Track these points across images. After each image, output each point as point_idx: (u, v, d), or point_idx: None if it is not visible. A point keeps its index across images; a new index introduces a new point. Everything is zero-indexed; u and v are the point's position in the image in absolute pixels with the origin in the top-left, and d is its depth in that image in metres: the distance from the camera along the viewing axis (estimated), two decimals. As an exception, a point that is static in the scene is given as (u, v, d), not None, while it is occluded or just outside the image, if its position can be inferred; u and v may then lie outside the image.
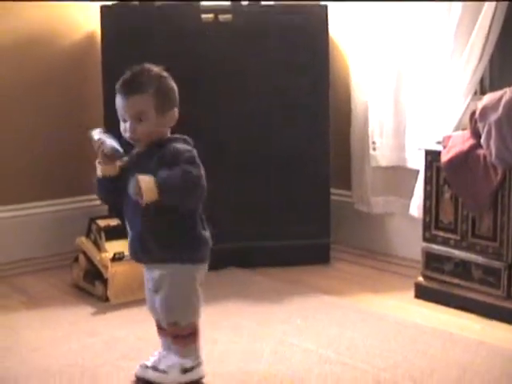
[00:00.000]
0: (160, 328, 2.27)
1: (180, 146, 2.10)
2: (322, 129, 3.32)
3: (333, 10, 3.37)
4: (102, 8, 3.22)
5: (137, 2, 3.26)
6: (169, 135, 2.15)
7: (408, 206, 3.18)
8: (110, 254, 2.90)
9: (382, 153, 3.40)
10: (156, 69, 2.16)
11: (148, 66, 2.16)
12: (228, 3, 3.27)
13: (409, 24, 3.25)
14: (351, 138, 3.50)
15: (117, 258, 2.87)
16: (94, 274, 2.98)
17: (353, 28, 3.44)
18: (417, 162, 3.17)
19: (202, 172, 2.07)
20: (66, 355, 2.18)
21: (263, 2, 3.34)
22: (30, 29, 3.44)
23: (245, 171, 3.29)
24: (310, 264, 3.33)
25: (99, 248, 2.99)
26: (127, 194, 2.04)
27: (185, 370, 2.16)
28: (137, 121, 2.08)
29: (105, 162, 2.11)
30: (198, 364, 2.19)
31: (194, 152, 2.10)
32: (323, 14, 3.28)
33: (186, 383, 2.16)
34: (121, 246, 2.95)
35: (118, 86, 2.12)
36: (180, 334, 2.17)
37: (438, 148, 2.83)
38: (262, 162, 3.30)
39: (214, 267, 3.16)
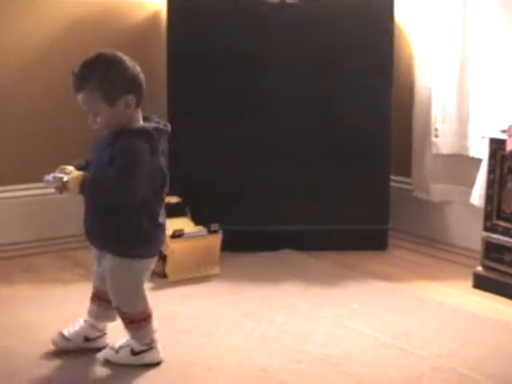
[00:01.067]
0: (96, 297, 2.26)
1: (129, 145, 2.05)
2: (384, 114, 3.30)
3: (399, -6, 3.34)
4: (168, -13, 3.24)
5: (204, -18, 3.27)
6: (135, 123, 2.11)
7: (468, 194, 3.15)
8: (169, 231, 2.93)
9: (443, 140, 3.36)
10: (104, 56, 2.09)
11: (97, 54, 2.09)
12: (294, -15, 3.26)
13: (475, 9, 3.20)
14: (413, 123, 3.46)
15: (176, 235, 2.90)
16: (153, 251, 3.01)
17: (418, 13, 3.40)
18: (479, 151, 3.13)
19: (131, 181, 2.03)
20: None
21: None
22: (95, 7, 3.49)
23: (305, 154, 3.29)
24: (367, 249, 3.32)
25: (159, 225, 3.02)
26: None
27: (134, 353, 2.17)
28: (93, 114, 2.08)
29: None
30: (150, 349, 2.18)
31: (136, 157, 2.04)
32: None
33: (138, 365, 2.17)
34: (180, 223, 2.99)
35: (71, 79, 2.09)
36: (122, 317, 2.19)
37: (503, 137, 2.79)
38: (322, 145, 3.29)
39: (270, 248, 3.24)
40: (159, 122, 2.15)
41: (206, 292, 2.81)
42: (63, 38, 3.42)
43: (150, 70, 3.58)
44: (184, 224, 3.00)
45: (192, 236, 2.95)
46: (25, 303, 2.68)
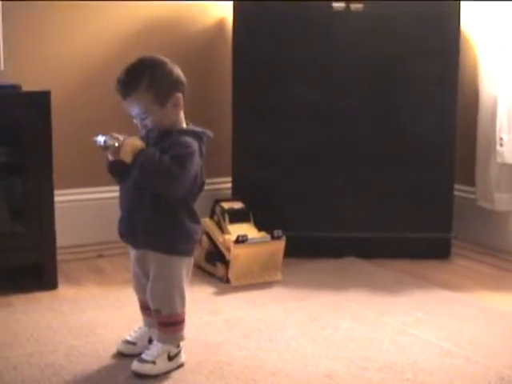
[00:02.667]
0: (143, 307, 2.28)
1: (182, 140, 2.08)
2: (448, 121, 3.27)
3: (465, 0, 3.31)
4: (235, -6, 3.27)
5: (270, -12, 3.29)
6: (183, 124, 2.14)
7: (534, 204, 3.11)
8: (233, 236, 2.95)
9: (509, 149, 3.31)
10: (147, 59, 2.12)
11: (139, 58, 2.12)
12: (360, -8, 3.26)
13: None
14: (477, 132, 3.42)
15: (240, 240, 2.91)
16: (216, 255, 3.03)
17: (484, 19, 3.37)
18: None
19: (182, 172, 2.03)
20: (188, 330, 2.23)
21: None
22: (163, 13, 3.54)
23: (370, 161, 3.29)
24: (430, 258, 3.29)
25: (222, 230, 3.04)
26: (129, 173, 2.08)
27: (170, 357, 2.16)
28: (142, 118, 2.10)
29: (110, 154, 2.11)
30: (180, 350, 2.19)
31: (190, 150, 2.07)
32: (455, 4, 3.22)
33: (172, 369, 2.17)
34: (244, 228, 3.01)
35: (115, 87, 2.11)
36: (162, 321, 2.17)
37: None
38: (386, 152, 3.28)
39: (333, 255, 3.23)
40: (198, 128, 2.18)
41: (269, 297, 2.81)
42: (129, 43, 3.47)
43: (216, 74, 3.66)
44: (247, 229, 3.01)
45: (255, 242, 2.96)
46: (89, 304, 2.72)
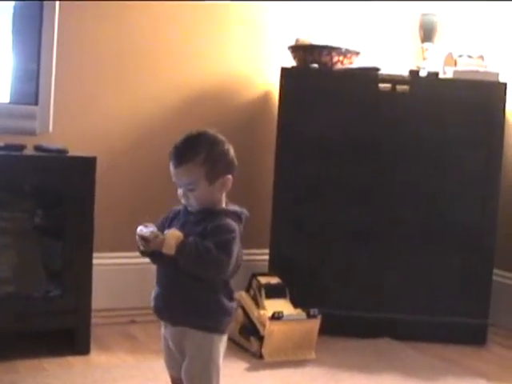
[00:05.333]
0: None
1: (226, 222, 2.06)
2: (490, 206, 3.26)
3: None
4: (283, 69, 3.30)
5: (316, 66, 3.32)
6: (223, 204, 2.12)
7: None
8: (268, 312, 2.93)
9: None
10: (208, 134, 2.11)
11: (201, 131, 2.11)
12: (406, 74, 3.29)
13: None
14: (519, 218, 3.42)
15: (276, 317, 2.89)
16: (250, 330, 3.01)
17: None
18: None
19: (229, 258, 2.01)
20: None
21: (441, 76, 3.34)
22: (211, 82, 3.60)
23: (409, 243, 3.27)
24: (465, 344, 3.24)
25: (258, 304, 3.03)
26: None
27: None
28: (188, 189, 2.08)
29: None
30: None
31: (234, 234, 2.05)
32: (501, 91, 3.24)
33: None
34: (280, 305, 2.99)
35: (169, 153, 2.09)
36: None
37: None
38: (427, 234, 3.27)
39: (368, 335, 3.20)
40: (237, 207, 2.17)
41: (302, 377, 2.78)
42: (176, 111, 3.53)
43: (258, 146, 3.69)
44: (283, 306, 2.99)
45: (291, 319, 2.93)
46: (122, 373, 2.71)
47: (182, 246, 2.02)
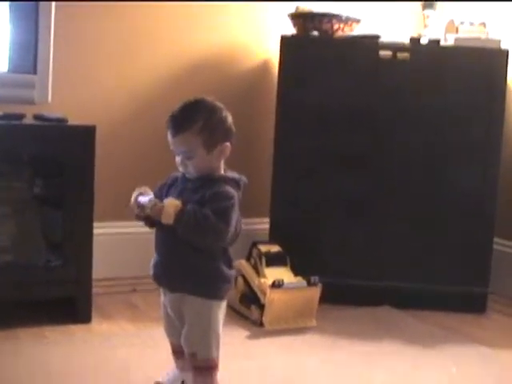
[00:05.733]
0: (176, 351, 2.25)
1: (224, 189, 2.06)
2: (490, 174, 3.25)
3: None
4: (282, 37, 3.28)
5: (316, 33, 3.30)
6: (221, 170, 2.12)
7: None
8: (269, 280, 2.93)
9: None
10: (205, 102, 2.10)
11: (198, 99, 2.10)
12: (407, 41, 3.26)
13: None
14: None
15: (276, 285, 2.90)
16: (251, 298, 3.01)
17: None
18: None
19: (227, 226, 2.02)
20: (221, 374, 2.20)
21: (443, 43, 3.31)
22: (211, 51, 3.58)
23: (409, 212, 3.27)
24: (464, 312, 3.25)
25: (258, 273, 3.03)
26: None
27: None
28: (186, 157, 2.08)
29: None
30: None
31: (233, 201, 2.05)
32: (503, 58, 3.21)
33: None
34: (280, 273, 3.00)
35: (166, 121, 2.09)
36: (197, 365, 2.14)
37: None
38: (427, 203, 3.27)
39: (368, 303, 3.20)
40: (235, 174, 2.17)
41: (302, 344, 2.79)
42: (175, 80, 3.51)
43: (258, 115, 3.67)
44: (284, 274, 3.00)
45: (292, 287, 2.94)
46: (122, 341, 2.72)
47: (180, 215, 2.02)
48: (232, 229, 2.05)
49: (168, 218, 2.02)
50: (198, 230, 2.02)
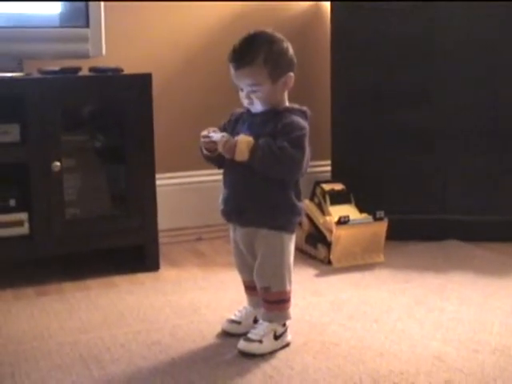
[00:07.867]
0: (248, 288, 2.25)
1: (295, 119, 2.05)
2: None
3: None
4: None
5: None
6: (286, 103, 2.10)
7: None
8: (334, 218, 2.92)
9: None
10: (266, 34, 2.07)
11: (258, 31, 2.07)
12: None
13: None
14: None
15: (342, 221, 2.88)
16: (317, 237, 3.00)
17: None
18: None
19: (303, 155, 2.02)
20: (292, 310, 2.20)
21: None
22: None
23: (471, 143, 3.19)
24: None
25: (323, 211, 3.02)
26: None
27: (276, 337, 2.13)
28: (251, 91, 2.05)
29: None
30: (286, 330, 2.17)
31: (305, 131, 2.04)
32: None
33: (278, 348, 2.14)
34: (345, 210, 2.98)
35: (228, 56, 2.06)
36: (270, 299, 2.14)
37: None
38: (491, 135, 3.18)
39: (436, 238, 3.17)
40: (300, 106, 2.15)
41: (372, 280, 2.77)
42: (227, 26, 3.48)
43: (314, 56, 3.62)
44: (349, 211, 2.97)
45: (357, 223, 2.92)
46: (192, 285, 2.74)
47: (254, 150, 2.01)
48: (307, 157, 2.05)
49: (242, 156, 2.01)
50: (275, 163, 2.01)
